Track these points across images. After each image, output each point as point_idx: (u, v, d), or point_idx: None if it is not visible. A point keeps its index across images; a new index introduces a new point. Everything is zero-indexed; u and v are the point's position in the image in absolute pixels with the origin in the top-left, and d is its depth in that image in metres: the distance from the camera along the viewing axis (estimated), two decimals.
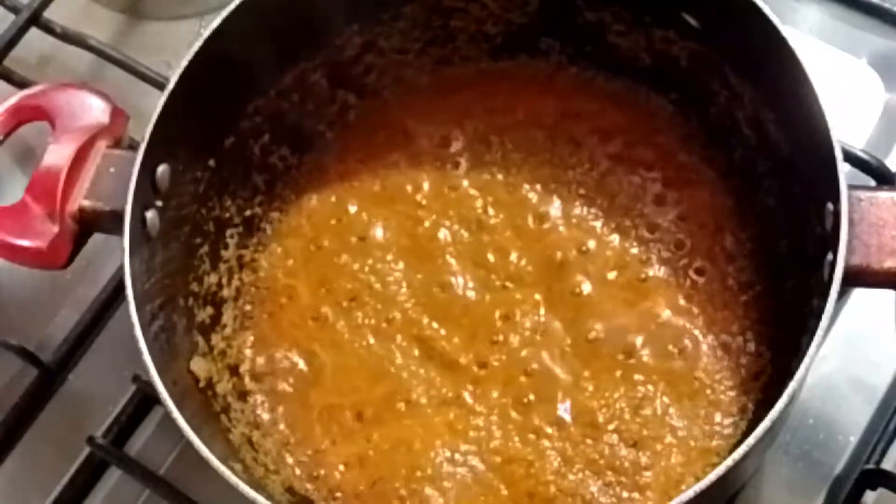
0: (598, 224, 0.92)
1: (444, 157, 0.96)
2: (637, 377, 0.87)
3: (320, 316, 0.92)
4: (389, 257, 0.93)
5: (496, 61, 0.98)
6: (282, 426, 0.88)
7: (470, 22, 0.95)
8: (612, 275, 0.90)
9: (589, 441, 0.85)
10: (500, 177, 0.95)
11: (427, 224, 0.94)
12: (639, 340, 0.88)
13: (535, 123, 0.96)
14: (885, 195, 0.74)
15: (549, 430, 0.85)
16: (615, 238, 0.92)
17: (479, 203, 0.94)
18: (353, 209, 0.95)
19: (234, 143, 0.91)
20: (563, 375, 0.87)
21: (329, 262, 0.94)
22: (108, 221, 0.81)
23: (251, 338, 0.91)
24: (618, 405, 0.86)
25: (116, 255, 0.79)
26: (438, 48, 0.97)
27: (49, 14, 1.07)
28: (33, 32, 1.07)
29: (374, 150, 0.97)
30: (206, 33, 0.83)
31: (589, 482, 0.83)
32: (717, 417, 0.84)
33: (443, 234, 0.93)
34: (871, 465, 0.85)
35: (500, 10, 0.94)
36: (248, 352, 0.91)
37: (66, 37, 1.07)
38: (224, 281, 0.91)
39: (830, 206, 0.74)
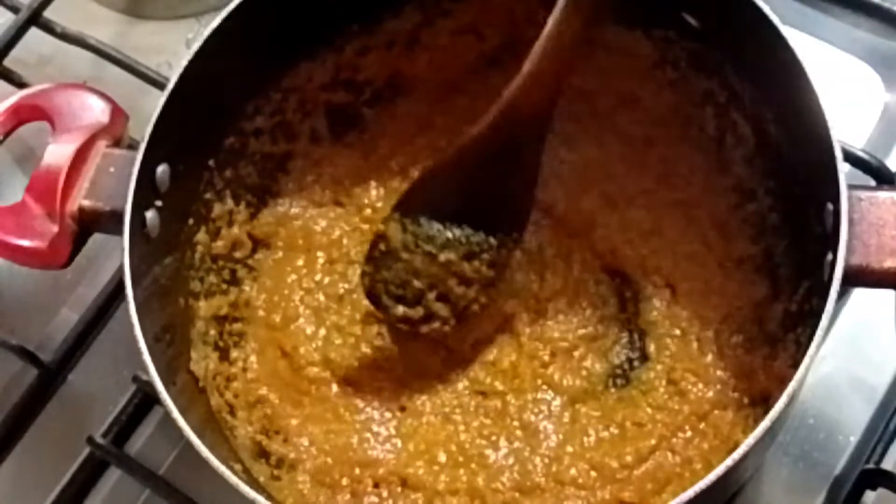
0: None
1: None
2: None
3: (315, 311, 0.92)
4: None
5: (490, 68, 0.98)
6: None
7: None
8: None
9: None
10: None
11: None
12: (638, 341, 0.89)
13: None
14: (884, 195, 0.74)
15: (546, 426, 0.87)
16: None
17: None
18: (351, 212, 0.96)
19: (234, 142, 0.91)
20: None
21: (325, 264, 0.94)
22: (108, 221, 0.81)
23: (251, 336, 0.92)
24: (616, 398, 0.88)
25: (116, 255, 0.79)
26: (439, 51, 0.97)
27: (49, 14, 1.07)
28: (33, 32, 1.07)
29: (374, 153, 0.98)
30: (206, 33, 0.83)
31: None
32: (718, 415, 0.84)
33: None
34: (871, 465, 0.85)
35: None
36: (247, 351, 0.91)
37: (66, 37, 1.07)
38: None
39: (830, 206, 0.74)
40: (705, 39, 0.87)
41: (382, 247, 0.86)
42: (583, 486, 0.83)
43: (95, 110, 0.86)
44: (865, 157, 0.92)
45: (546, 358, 0.89)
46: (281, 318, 0.92)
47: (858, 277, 0.73)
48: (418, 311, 0.87)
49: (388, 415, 0.89)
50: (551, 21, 0.78)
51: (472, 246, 0.86)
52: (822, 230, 0.76)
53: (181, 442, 0.72)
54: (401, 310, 0.87)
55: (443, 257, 0.85)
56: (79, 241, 0.83)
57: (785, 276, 0.85)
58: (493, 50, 0.96)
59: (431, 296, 0.86)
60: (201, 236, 0.89)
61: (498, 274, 0.88)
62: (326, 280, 0.94)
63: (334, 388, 0.90)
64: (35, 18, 1.07)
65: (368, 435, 0.88)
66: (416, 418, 0.88)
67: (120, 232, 0.78)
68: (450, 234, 0.85)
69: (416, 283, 0.86)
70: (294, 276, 0.94)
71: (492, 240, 0.86)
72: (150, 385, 0.75)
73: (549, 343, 0.90)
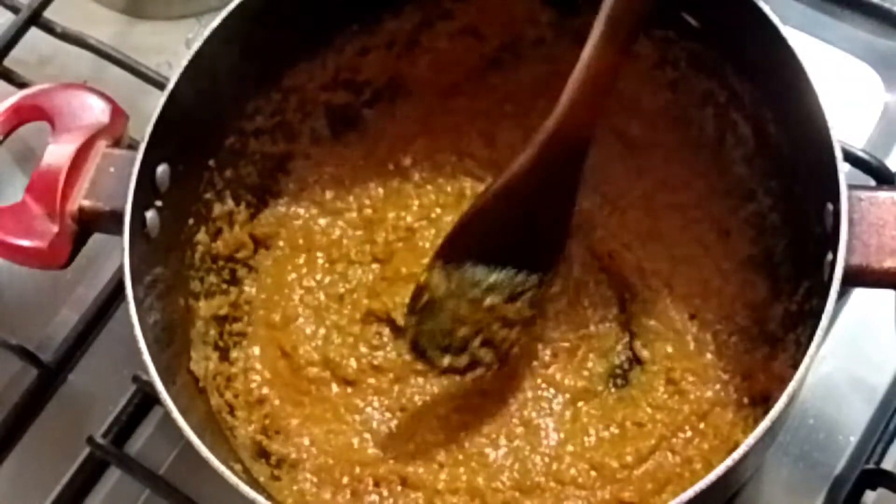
0: None
1: (445, 162, 0.97)
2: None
3: (315, 311, 0.92)
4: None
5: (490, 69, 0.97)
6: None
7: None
8: None
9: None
10: None
11: (424, 225, 0.95)
12: (637, 343, 0.89)
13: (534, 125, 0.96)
14: (884, 195, 0.74)
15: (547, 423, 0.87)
16: None
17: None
18: (351, 212, 0.96)
19: (234, 142, 0.91)
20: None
21: (325, 264, 0.95)
22: (108, 221, 0.81)
23: (251, 336, 0.92)
24: (616, 398, 0.88)
25: (116, 255, 0.79)
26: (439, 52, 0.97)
27: (49, 14, 1.07)
28: (33, 32, 1.07)
29: (374, 153, 0.98)
30: (207, 33, 0.83)
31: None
32: (718, 415, 0.84)
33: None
34: (871, 465, 0.85)
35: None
36: (247, 351, 0.91)
37: (66, 37, 1.07)
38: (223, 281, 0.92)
39: (830, 206, 0.74)
40: (705, 39, 0.87)
41: (426, 297, 0.84)
42: (583, 486, 0.84)
43: (95, 110, 0.86)
44: (865, 157, 0.92)
45: (547, 358, 0.89)
46: (281, 317, 0.92)
47: (858, 277, 0.73)
48: (463, 360, 0.85)
49: (388, 415, 0.89)
50: (588, 49, 0.77)
51: (516, 287, 0.84)
52: (822, 230, 0.76)
53: (181, 442, 0.72)
54: (447, 360, 0.85)
55: (488, 301, 0.84)
56: (79, 241, 0.83)
57: (785, 276, 0.85)
58: (493, 51, 0.97)
59: (476, 342, 0.85)
60: (201, 236, 0.89)
61: (538, 312, 0.87)
62: (326, 280, 0.94)
63: (334, 388, 0.90)
64: (35, 18, 1.07)
65: (368, 435, 0.88)
66: (416, 418, 0.88)
67: (120, 232, 0.78)
68: (494, 278, 0.84)
69: (462, 331, 0.84)
70: (294, 276, 0.94)
71: (533, 278, 0.85)
72: (150, 385, 0.75)
73: (550, 343, 0.90)
